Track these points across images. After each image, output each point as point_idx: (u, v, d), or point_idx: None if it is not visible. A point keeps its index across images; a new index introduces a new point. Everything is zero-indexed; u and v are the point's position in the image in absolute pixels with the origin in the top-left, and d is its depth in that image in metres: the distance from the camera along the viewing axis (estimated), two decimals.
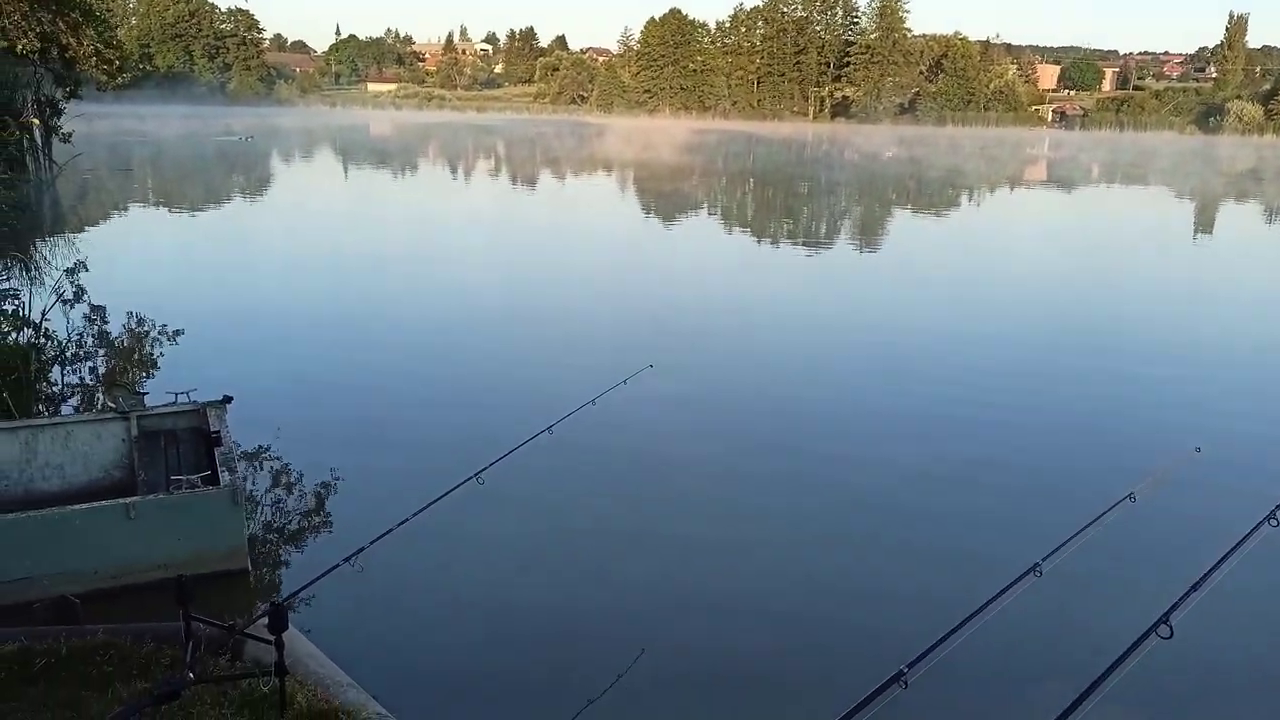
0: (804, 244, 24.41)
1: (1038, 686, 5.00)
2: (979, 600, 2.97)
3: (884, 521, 7.26)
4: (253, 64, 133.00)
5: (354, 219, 26.44)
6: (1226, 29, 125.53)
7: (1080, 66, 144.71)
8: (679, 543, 6.81)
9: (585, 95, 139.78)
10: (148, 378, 9.94)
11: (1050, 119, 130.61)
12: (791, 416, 9.85)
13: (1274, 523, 3.35)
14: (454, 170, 48.62)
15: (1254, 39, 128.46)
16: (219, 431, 6.45)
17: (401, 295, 15.50)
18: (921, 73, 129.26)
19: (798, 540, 6.99)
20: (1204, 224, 31.93)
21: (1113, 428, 9.62)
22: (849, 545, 6.89)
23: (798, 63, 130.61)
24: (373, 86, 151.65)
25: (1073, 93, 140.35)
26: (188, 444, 6.80)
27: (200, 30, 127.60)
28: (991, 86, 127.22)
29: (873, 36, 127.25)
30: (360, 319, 13.54)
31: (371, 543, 4.03)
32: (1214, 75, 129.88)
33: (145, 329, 11.71)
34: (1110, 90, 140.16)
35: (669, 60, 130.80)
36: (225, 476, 5.87)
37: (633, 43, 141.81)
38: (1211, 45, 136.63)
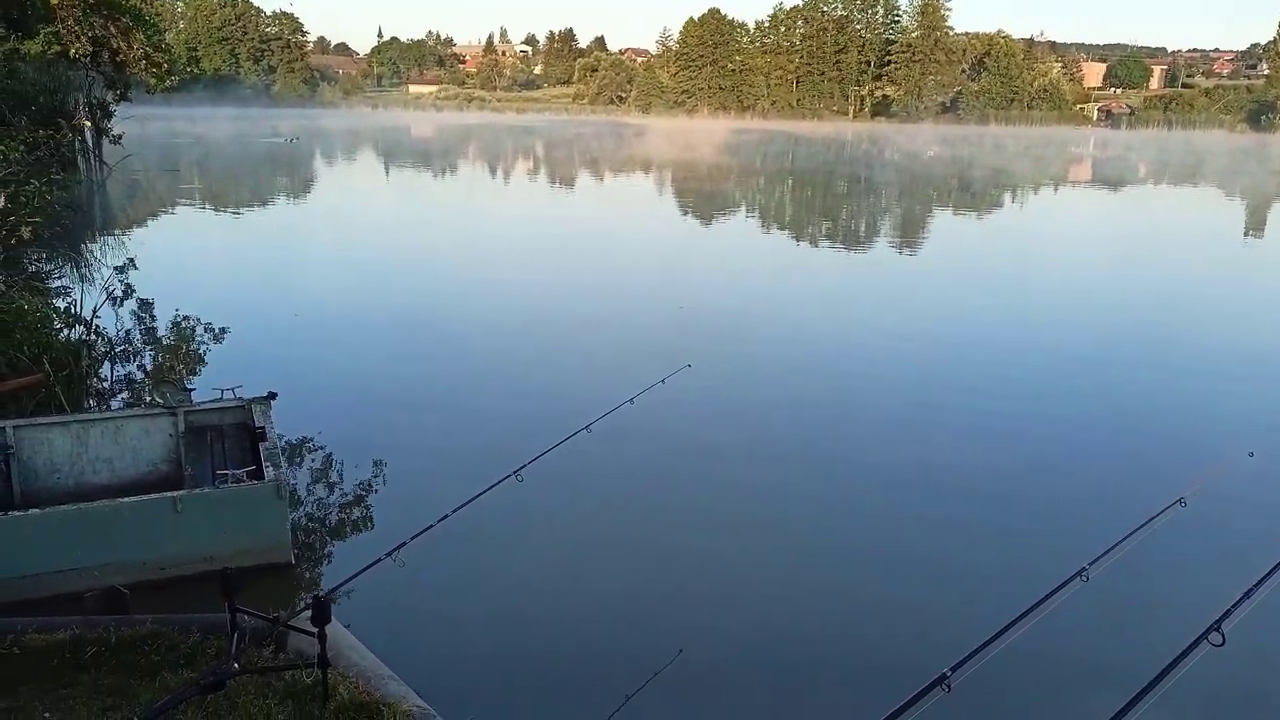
0: (844, 245, 24.23)
1: (1085, 692, 4.91)
2: (1024, 605, 2.92)
3: (929, 526, 7.16)
4: (297, 66, 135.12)
5: (396, 219, 26.71)
6: (1279, 25, 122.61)
7: (1127, 64, 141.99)
8: (717, 544, 6.78)
9: (624, 96, 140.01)
10: (194, 374, 10.12)
11: (1096, 118, 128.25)
12: (831, 419, 9.77)
13: None
14: (494, 171, 48.95)
15: None
16: (263, 427, 6.55)
17: (444, 295, 15.64)
18: (964, 71, 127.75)
19: (839, 544, 6.93)
20: (1257, 225, 31.16)
21: (1163, 431, 9.43)
22: (893, 549, 6.80)
23: (838, 62, 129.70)
24: (414, 88, 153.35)
25: (1119, 91, 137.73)
26: (233, 439, 6.91)
27: (246, 33, 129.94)
28: (1035, 85, 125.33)
29: (914, 35, 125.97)
30: (403, 318, 13.67)
31: (413, 538, 4.06)
32: (1266, 72, 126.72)
33: (192, 326, 11.94)
34: (1158, 88, 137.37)
35: (708, 60, 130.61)
36: (269, 471, 5.96)
37: (671, 43, 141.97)
38: (1263, 42, 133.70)
